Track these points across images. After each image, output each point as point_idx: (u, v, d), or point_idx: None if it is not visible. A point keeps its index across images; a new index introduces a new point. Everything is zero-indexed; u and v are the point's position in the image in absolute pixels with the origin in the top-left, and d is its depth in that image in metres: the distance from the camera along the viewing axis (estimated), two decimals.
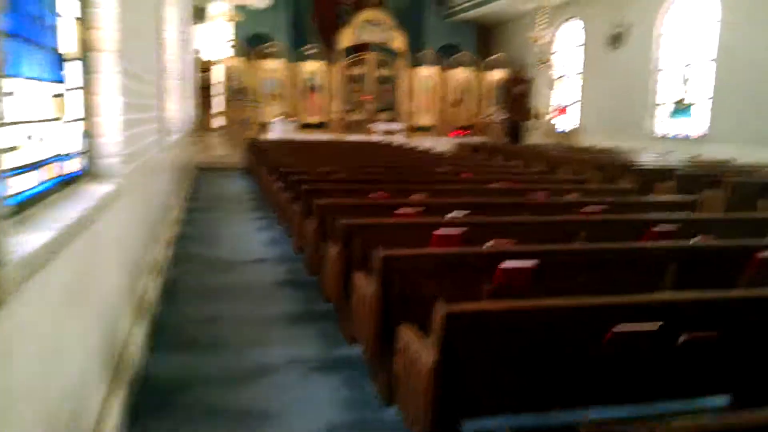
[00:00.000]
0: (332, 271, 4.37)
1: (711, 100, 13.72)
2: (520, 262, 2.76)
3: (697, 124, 14.30)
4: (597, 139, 16.76)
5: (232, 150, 17.36)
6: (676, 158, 11.87)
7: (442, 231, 4.01)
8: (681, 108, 14.98)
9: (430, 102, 20.94)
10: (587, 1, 17.96)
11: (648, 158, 11.67)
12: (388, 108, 20.75)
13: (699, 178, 8.45)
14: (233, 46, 19.09)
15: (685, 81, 14.81)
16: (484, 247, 3.68)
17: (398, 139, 18.37)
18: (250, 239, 7.74)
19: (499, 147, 15.44)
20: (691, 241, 3.96)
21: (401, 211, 4.94)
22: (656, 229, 4.47)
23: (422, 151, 13.34)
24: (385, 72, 20.57)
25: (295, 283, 5.80)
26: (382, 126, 19.85)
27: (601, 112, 17.46)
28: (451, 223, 4.20)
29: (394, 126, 19.98)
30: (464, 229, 3.95)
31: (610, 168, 9.76)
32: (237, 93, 19.02)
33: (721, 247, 3.71)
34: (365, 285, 3.42)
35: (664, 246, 3.69)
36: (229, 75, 19.04)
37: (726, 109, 13.20)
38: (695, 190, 7.77)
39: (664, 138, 15.17)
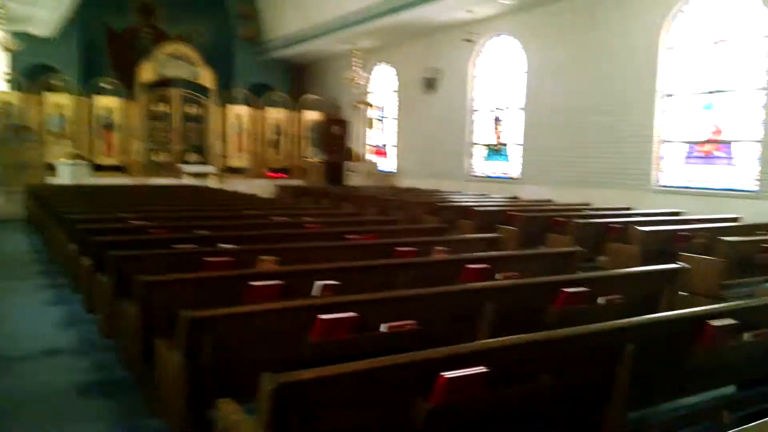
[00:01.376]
0: (130, 334, 3.79)
1: (522, 145, 14.83)
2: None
3: (513, 165, 15.31)
4: (419, 181, 17.34)
5: (6, 198, 15.20)
6: (496, 198, 12.71)
7: (258, 283, 3.68)
8: (495, 150, 16.00)
9: (244, 142, 20.40)
10: (398, 48, 18.75)
11: (466, 198, 12.36)
12: (198, 149, 19.80)
13: (495, 214, 9.09)
14: (9, 80, 16.94)
15: (498, 123, 15.90)
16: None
17: (210, 183, 17.56)
18: (36, 319, 5.98)
19: (325, 190, 15.31)
20: (503, 278, 4.07)
21: (217, 259, 4.49)
22: (472, 266, 4.56)
23: (244, 195, 12.81)
24: (193, 110, 19.68)
25: (105, 386, 4.32)
26: (192, 168, 18.85)
27: (421, 153, 18.11)
28: (267, 275, 3.87)
29: (206, 168, 19.10)
30: (280, 282, 3.64)
31: (444, 211, 10.04)
32: (16, 131, 16.78)
33: (533, 284, 3.82)
34: (168, 354, 2.95)
35: (481, 286, 3.70)
36: (5, 111, 16.75)
37: (533, 153, 14.38)
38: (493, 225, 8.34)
39: (482, 179, 16.10)
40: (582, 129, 12.93)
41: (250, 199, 11.86)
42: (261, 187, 17.04)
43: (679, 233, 7.20)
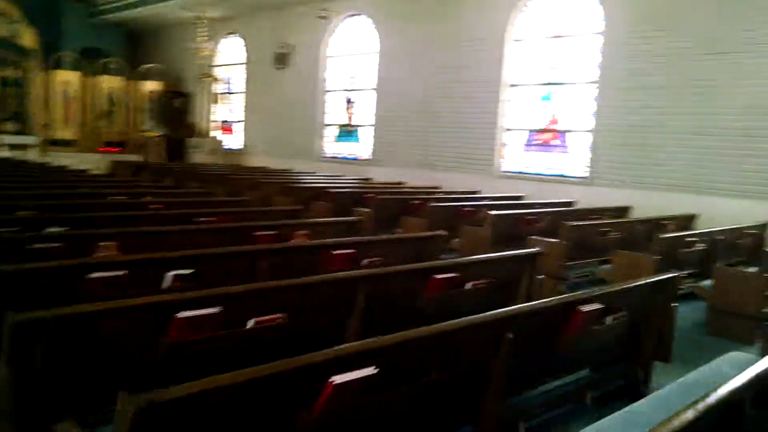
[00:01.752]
0: None
1: (373, 126, 14.83)
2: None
3: (364, 147, 15.27)
4: (267, 160, 16.77)
5: None
6: (346, 180, 12.54)
7: (98, 275, 3.17)
8: (347, 131, 15.87)
9: (72, 112, 18.40)
10: (249, 19, 17.90)
11: (317, 179, 12.09)
12: (17, 117, 17.52)
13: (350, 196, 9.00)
14: None
15: (350, 104, 15.75)
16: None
17: (31, 155, 15.62)
18: None
19: (167, 167, 14.18)
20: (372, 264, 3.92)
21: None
22: (338, 252, 4.37)
23: (72, 171, 11.46)
24: (10, 73, 17.33)
25: None
26: (8, 139, 16.64)
27: (270, 131, 17.55)
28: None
29: (26, 139, 16.96)
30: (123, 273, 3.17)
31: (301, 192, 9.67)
32: None
33: (404, 271, 3.70)
34: None
35: (353, 275, 3.51)
36: None
37: (385, 135, 14.43)
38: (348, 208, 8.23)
39: (333, 159, 15.90)
40: (432, 114, 13.24)
41: (80, 175, 10.66)
42: (93, 162, 15.46)
43: (526, 217, 7.58)
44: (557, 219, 7.34)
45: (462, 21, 12.69)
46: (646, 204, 9.26)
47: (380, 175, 13.77)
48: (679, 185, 9.61)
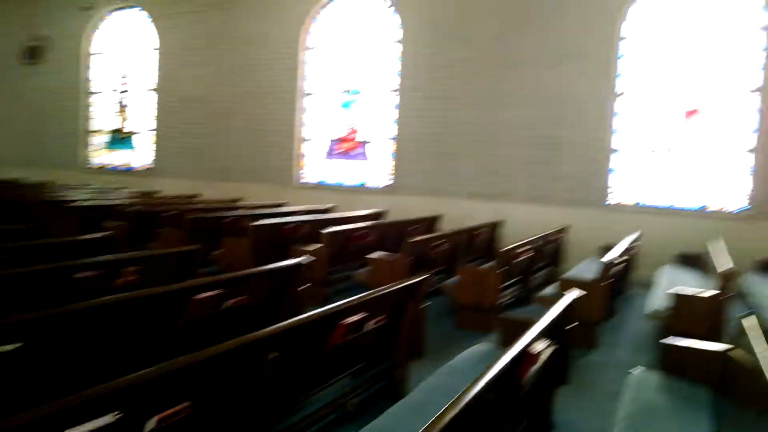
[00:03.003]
0: None
1: (155, 132, 13.46)
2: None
3: (143, 155, 13.75)
4: (18, 172, 13.86)
5: None
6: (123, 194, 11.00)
7: None
8: (120, 138, 14.12)
9: None
10: None
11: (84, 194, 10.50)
12: None
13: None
14: None
15: (124, 108, 14.07)
16: None
17: None
18: None
19: None
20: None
21: None
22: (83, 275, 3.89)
23: None
24: None
25: None
26: None
27: (20, 136, 15.04)
28: None
29: None
30: None
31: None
32: None
33: (158, 295, 3.42)
34: None
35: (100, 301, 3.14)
36: None
37: (169, 142, 13.17)
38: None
39: (103, 170, 14.12)
40: (225, 120, 12.46)
41: None
42: None
43: (287, 225, 7.59)
44: (318, 227, 7.48)
45: (253, 21, 12.14)
46: (450, 212, 9.50)
47: (170, 187, 12.47)
48: (480, 193, 10.09)
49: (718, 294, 5.00)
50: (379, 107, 11.29)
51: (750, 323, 3.15)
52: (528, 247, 6.83)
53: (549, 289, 6.07)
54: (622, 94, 9.39)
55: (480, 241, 8.19)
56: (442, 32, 10.49)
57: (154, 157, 13.60)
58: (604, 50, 9.35)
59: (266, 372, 2.55)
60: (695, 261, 7.85)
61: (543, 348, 2.88)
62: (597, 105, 9.41)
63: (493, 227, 8.87)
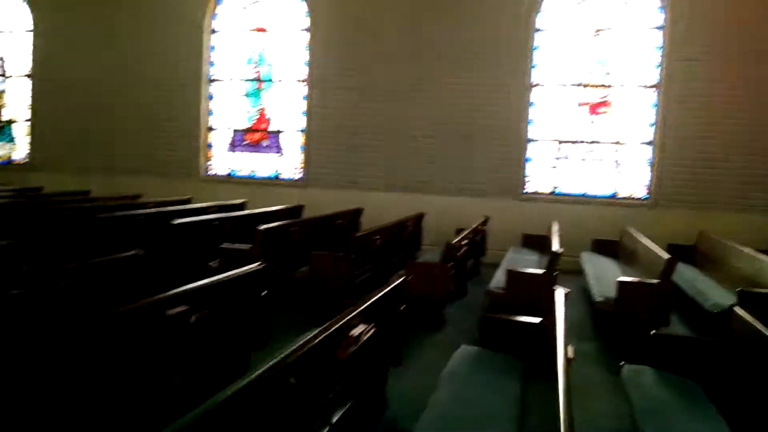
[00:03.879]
0: None
1: (30, 122, 12.02)
2: None
3: (21, 147, 12.25)
4: None
5: None
6: None
7: None
8: None
9: None
10: None
11: None
12: None
13: None
14: None
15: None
16: None
17: None
18: None
19: None
20: None
21: None
22: None
23: None
24: None
25: None
26: None
27: None
28: None
29: None
30: None
31: None
32: None
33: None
34: None
35: None
36: None
37: (51, 134, 11.77)
38: None
39: None
40: (120, 108, 11.33)
41: None
42: None
43: (213, 222, 7.07)
44: (241, 223, 7.16)
45: (150, 6, 11.13)
46: (367, 205, 9.22)
47: (52, 183, 11.02)
48: (398, 185, 10.00)
49: (546, 272, 5.42)
50: (290, 97, 10.81)
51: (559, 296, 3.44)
52: (466, 239, 6.94)
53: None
54: (537, 84, 9.67)
55: (407, 234, 8.17)
56: (353, 22, 10.22)
57: (29, 150, 12.18)
58: (519, 41, 9.55)
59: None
60: (611, 246, 8.40)
61: (363, 330, 2.99)
62: (513, 96, 9.60)
63: (417, 220, 8.91)
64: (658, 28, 9.19)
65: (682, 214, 8.90)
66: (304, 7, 10.55)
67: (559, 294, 3.54)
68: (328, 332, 2.65)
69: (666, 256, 5.31)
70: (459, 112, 9.79)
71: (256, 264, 4.04)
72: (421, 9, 9.88)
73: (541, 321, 3.63)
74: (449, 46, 9.76)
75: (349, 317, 2.90)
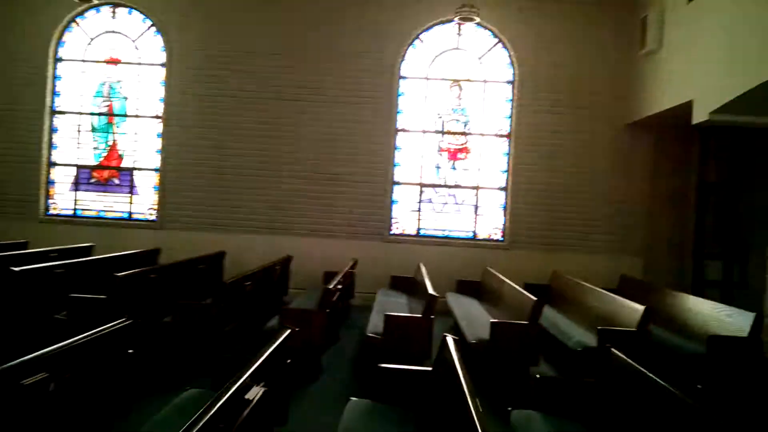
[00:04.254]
0: None
1: None
2: None
3: None
4: None
5: None
6: None
7: None
8: None
9: None
10: None
11: None
12: None
13: None
14: None
15: None
16: None
17: None
18: None
19: None
20: None
21: None
22: None
23: None
24: None
25: None
26: None
27: None
28: None
29: None
30: None
31: None
32: None
33: None
34: None
35: None
36: None
37: None
38: None
39: None
40: None
41: None
42: None
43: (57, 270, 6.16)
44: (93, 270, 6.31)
45: None
46: (230, 247, 8.86)
47: None
48: (262, 228, 9.66)
49: (424, 316, 5.44)
50: (144, 133, 10.14)
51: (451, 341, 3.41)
52: (340, 284, 6.74)
53: (273, 321, 5.99)
54: (403, 130, 9.92)
55: (276, 278, 7.89)
56: (213, 58, 9.86)
57: None
58: (385, 87, 9.78)
59: None
60: (473, 287, 8.65)
61: (254, 393, 2.73)
62: (379, 139, 9.77)
63: (285, 263, 8.63)
64: (509, 82, 9.91)
65: (534, 255, 9.52)
66: (160, 41, 10.02)
67: (451, 341, 3.52)
68: (222, 400, 2.36)
69: (533, 297, 5.56)
70: (326, 153, 9.77)
71: (121, 320, 3.60)
72: (288, 52, 9.80)
73: (433, 369, 3.58)
74: (317, 87, 9.77)
75: (240, 381, 2.62)
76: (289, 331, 3.48)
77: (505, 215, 9.84)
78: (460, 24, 9.42)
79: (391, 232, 9.87)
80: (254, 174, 9.78)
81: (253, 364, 2.86)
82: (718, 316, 5.83)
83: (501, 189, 9.88)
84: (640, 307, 5.45)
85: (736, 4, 6.54)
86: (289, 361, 3.66)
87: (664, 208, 9.51)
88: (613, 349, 3.48)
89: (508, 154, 9.88)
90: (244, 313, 6.31)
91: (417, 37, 9.89)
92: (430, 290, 5.74)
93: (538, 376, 3.79)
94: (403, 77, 9.92)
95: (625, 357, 3.37)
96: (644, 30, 8.66)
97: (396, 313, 5.57)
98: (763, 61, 5.84)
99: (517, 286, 6.46)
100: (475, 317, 6.71)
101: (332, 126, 9.76)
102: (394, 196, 9.91)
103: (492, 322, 5.40)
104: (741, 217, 9.18)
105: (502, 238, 9.84)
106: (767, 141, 7.62)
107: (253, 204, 9.78)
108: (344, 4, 9.79)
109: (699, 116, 7.09)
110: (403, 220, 9.94)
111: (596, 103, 9.60)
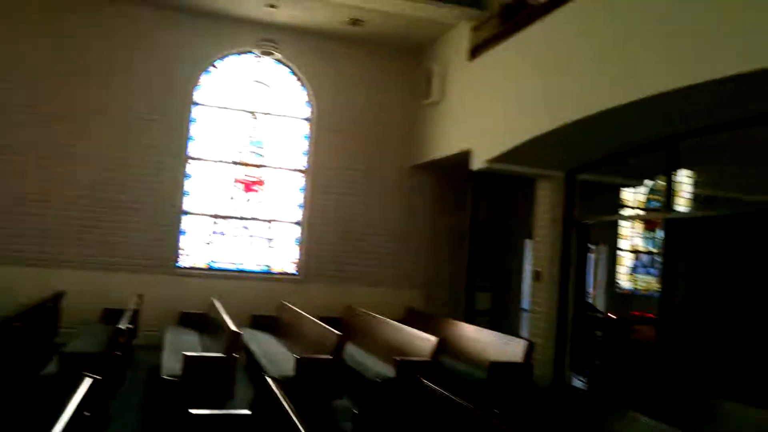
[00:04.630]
0: None
1: None
2: None
3: None
4: None
5: None
6: None
7: None
8: None
9: None
10: None
11: None
12: None
13: None
14: None
15: None
16: None
17: None
18: None
19: None
20: None
21: None
22: None
23: None
24: None
25: None
26: None
27: None
28: None
29: None
30: None
31: None
32: None
33: None
34: None
35: None
36: None
37: None
38: None
39: None
40: None
41: None
42: None
43: None
44: None
45: None
46: None
47: None
48: (27, 260, 8.43)
49: (227, 355, 5.22)
50: None
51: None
52: (130, 323, 5.90)
53: (52, 366, 5.26)
54: (195, 158, 9.47)
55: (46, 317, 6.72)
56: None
57: None
58: (176, 112, 9.29)
59: None
60: (270, 322, 8.54)
61: None
62: (168, 166, 9.23)
63: (55, 300, 7.58)
64: (306, 119, 10.13)
65: (328, 288, 9.72)
66: None
67: (272, 381, 3.45)
68: None
69: (336, 332, 5.68)
70: (108, 178, 8.94)
71: None
72: (69, 69, 8.86)
73: (252, 412, 3.46)
74: (101, 106, 8.96)
75: None
76: (91, 381, 3.09)
77: (300, 249, 9.92)
78: (259, 57, 9.42)
79: (180, 265, 9.33)
80: (23, 198, 8.56)
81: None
82: (496, 343, 6.53)
83: (296, 223, 9.97)
84: (433, 338, 5.87)
85: (510, 68, 7.55)
86: (87, 413, 3.24)
87: (444, 243, 10.41)
88: (421, 378, 3.70)
89: (304, 188, 10.03)
90: (14, 359, 5.44)
91: (213, 64, 9.64)
92: (232, 327, 5.54)
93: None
94: (197, 104, 9.55)
95: (433, 385, 3.60)
96: (429, 82, 9.53)
97: (196, 353, 5.27)
98: (531, 121, 6.80)
99: (318, 321, 6.54)
100: (275, 353, 6.62)
101: (116, 149, 8.99)
102: (183, 227, 9.40)
103: (298, 358, 5.38)
104: (504, 252, 10.45)
105: (296, 272, 9.89)
106: (525, 185, 8.82)
107: (19, 232, 8.52)
108: (139, 19, 9.14)
109: (477, 163, 7.97)
110: (194, 253, 9.46)
111: (387, 145, 10.24)
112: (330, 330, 5.87)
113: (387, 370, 5.83)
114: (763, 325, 6.64)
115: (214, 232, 9.61)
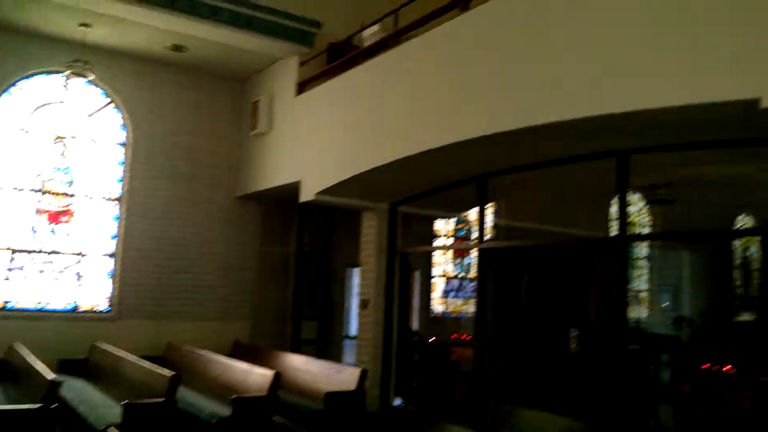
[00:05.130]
0: None
1: None
2: None
3: None
4: None
5: None
6: None
7: None
8: None
9: None
10: None
11: None
12: None
13: None
14: None
15: None
16: None
17: None
18: None
19: None
20: None
21: None
22: None
23: None
24: None
25: None
26: None
27: None
28: None
29: None
30: None
31: None
32: None
33: None
34: None
35: None
36: None
37: None
38: None
39: None
40: None
41: None
42: None
43: None
44: None
45: None
46: None
47: None
48: None
49: (43, 405, 4.71)
50: None
51: None
52: None
53: None
54: None
55: None
56: None
57: None
58: None
59: None
60: (80, 365, 7.89)
61: None
62: None
63: None
64: (121, 144, 9.52)
65: (146, 324, 9.14)
66: None
67: None
68: None
69: (167, 372, 5.41)
70: None
71: None
72: None
73: None
74: None
75: None
76: None
77: (113, 284, 9.21)
78: (69, 78, 8.68)
79: None
80: None
81: None
82: (328, 373, 6.68)
83: (110, 255, 9.26)
84: (270, 372, 5.85)
85: (337, 104, 7.87)
86: None
87: (271, 274, 10.37)
88: (276, 417, 3.72)
89: (118, 218, 9.38)
90: None
91: (15, 83, 8.70)
92: (49, 375, 5.01)
93: None
94: None
95: (290, 423, 3.64)
96: (255, 113, 9.53)
97: (4, 407, 4.70)
98: (359, 156, 7.15)
99: (145, 362, 6.16)
100: (93, 400, 6.09)
101: None
102: None
103: (125, 404, 5.03)
104: (329, 281, 10.69)
105: (109, 308, 9.15)
106: (349, 216, 9.19)
107: None
108: None
109: (306, 196, 8.14)
110: None
111: (212, 175, 9.99)
112: (160, 370, 5.57)
113: (222, 410, 5.68)
114: (560, 341, 7.63)
115: (11, 269, 8.58)
